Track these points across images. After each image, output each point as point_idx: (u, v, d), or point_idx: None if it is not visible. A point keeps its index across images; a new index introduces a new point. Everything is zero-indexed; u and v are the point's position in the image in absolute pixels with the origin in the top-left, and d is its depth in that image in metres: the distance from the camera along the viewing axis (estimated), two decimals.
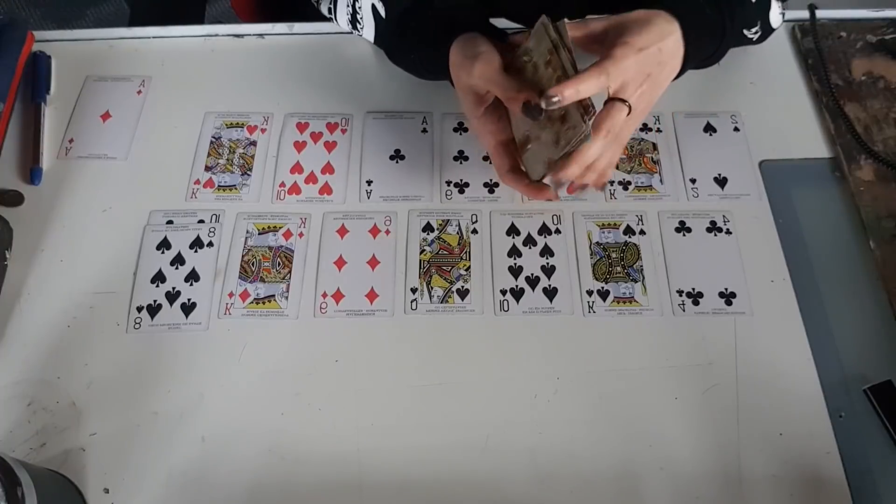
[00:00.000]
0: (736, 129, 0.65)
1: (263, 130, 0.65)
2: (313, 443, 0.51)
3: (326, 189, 0.62)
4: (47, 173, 0.63)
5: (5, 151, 0.64)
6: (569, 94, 0.46)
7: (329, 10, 0.67)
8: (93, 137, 0.65)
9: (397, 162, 0.64)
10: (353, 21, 0.64)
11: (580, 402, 0.52)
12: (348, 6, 0.64)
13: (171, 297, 0.57)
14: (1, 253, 0.57)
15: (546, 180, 0.54)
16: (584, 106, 0.48)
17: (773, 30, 0.65)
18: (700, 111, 0.66)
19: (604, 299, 0.56)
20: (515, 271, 0.58)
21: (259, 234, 0.60)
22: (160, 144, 0.65)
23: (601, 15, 0.53)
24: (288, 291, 0.57)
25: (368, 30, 0.63)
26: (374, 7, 0.61)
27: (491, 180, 0.62)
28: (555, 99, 0.46)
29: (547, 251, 0.59)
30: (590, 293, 0.57)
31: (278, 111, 0.66)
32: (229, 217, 0.61)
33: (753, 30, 0.62)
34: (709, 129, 0.65)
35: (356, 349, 0.55)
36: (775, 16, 0.63)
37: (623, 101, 0.49)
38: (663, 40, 0.51)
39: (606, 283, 0.57)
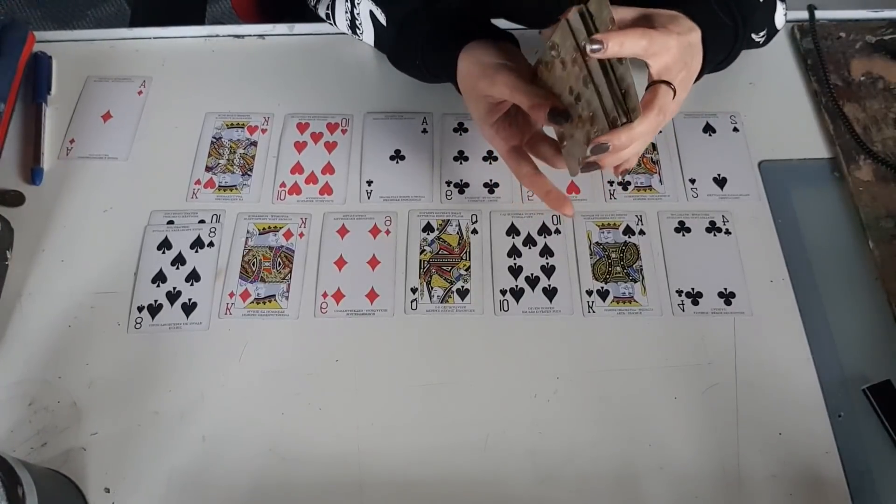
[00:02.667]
0: (735, 129, 0.65)
1: (264, 131, 0.65)
2: (313, 443, 0.51)
3: (327, 189, 0.62)
4: (48, 173, 0.63)
5: (6, 152, 0.64)
6: (613, 45, 0.43)
7: (327, 15, 0.67)
8: (94, 138, 0.65)
9: (397, 162, 0.64)
10: (353, 26, 0.64)
11: (580, 402, 0.52)
12: (347, 13, 0.64)
13: (172, 296, 0.57)
14: (2, 253, 0.57)
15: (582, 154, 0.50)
16: (612, 119, 0.46)
17: (777, 31, 0.65)
18: (699, 111, 0.66)
19: (603, 299, 0.56)
20: (515, 271, 0.58)
21: (259, 234, 0.60)
22: (161, 145, 0.65)
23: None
24: (288, 291, 0.57)
25: (368, 35, 0.63)
26: (372, 14, 0.61)
27: (491, 180, 0.62)
28: (595, 46, 0.43)
29: (547, 251, 0.59)
30: (589, 293, 0.57)
31: (279, 111, 0.67)
32: (230, 217, 0.61)
33: (761, 33, 0.62)
34: (708, 129, 0.65)
35: (356, 349, 0.55)
36: (780, 17, 0.64)
37: (667, 83, 0.48)
38: (691, 34, 0.50)
39: (606, 282, 0.57)
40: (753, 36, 0.62)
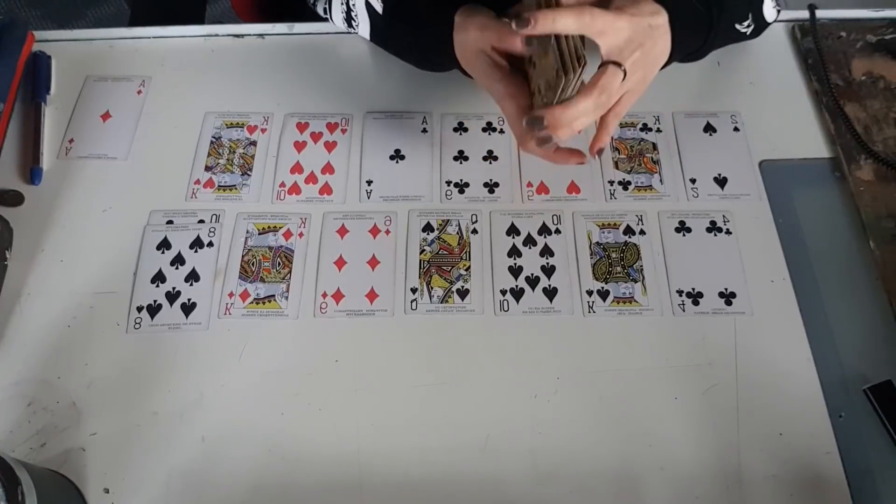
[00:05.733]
0: (736, 129, 0.65)
1: (263, 130, 0.65)
2: (313, 443, 0.51)
3: (326, 189, 0.62)
4: (47, 173, 0.63)
5: (5, 151, 0.64)
6: (542, 21, 0.44)
7: (325, 10, 0.67)
8: (93, 137, 0.65)
9: (397, 162, 0.64)
10: (349, 19, 0.64)
11: (580, 402, 0.52)
12: (342, 4, 0.64)
13: (172, 297, 0.57)
14: (1, 253, 0.57)
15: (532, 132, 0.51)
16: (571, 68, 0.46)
17: (767, 24, 0.64)
18: (700, 111, 0.66)
19: (604, 299, 0.56)
20: (515, 271, 0.58)
21: (259, 234, 0.60)
22: (160, 144, 0.65)
23: None
24: (288, 291, 0.57)
25: (364, 26, 0.63)
26: (368, 3, 0.61)
27: (491, 180, 0.62)
28: (527, 21, 0.45)
29: (547, 251, 0.59)
30: (590, 293, 0.57)
31: (278, 111, 0.66)
32: (229, 217, 0.61)
33: (745, 23, 0.61)
34: (709, 129, 0.65)
35: (356, 349, 0.55)
36: (769, 10, 0.63)
37: (617, 63, 0.48)
38: (653, 17, 0.50)
39: (606, 283, 0.57)
40: (737, 26, 0.61)
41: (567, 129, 0.49)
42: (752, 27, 0.62)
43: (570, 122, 0.48)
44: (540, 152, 0.54)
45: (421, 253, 0.59)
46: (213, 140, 0.65)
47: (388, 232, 0.60)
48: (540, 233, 0.59)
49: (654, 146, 0.64)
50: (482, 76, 0.55)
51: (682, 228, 0.60)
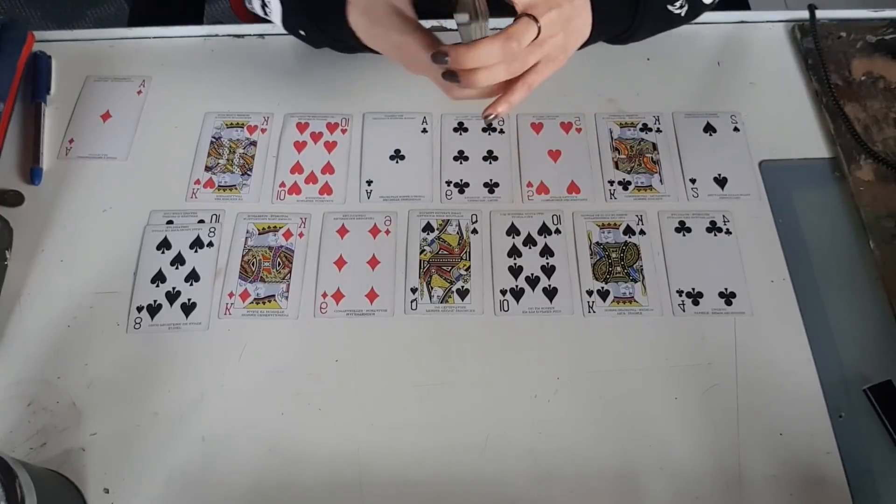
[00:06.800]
0: (736, 129, 0.65)
1: (263, 130, 0.65)
2: (313, 443, 0.51)
3: (326, 189, 0.62)
4: (47, 173, 0.63)
5: (5, 151, 0.64)
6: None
7: (250, 5, 0.64)
8: (93, 137, 0.65)
9: (397, 162, 0.64)
10: (263, 5, 0.61)
11: (580, 402, 0.52)
12: None
13: (172, 297, 0.57)
14: (1, 253, 0.57)
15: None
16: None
17: (704, 6, 0.62)
18: (700, 111, 0.66)
19: (604, 299, 0.56)
20: (515, 271, 0.58)
21: (259, 234, 0.60)
22: (160, 144, 0.65)
23: None
24: (288, 291, 0.57)
25: (276, 12, 0.60)
26: None
27: (491, 180, 0.62)
28: None
29: (547, 251, 0.59)
30: (590, 293, 0.57)
31: (278, 111, 0.67)
32: (229, 217, 0.61)
33: (678, 4, 0.59)
34: (709, 129, 0.65)
35: (356, 349, 0.55)
36: None
37: (531, 16, 0.47)
38: None
39: (606, 283, 0.57)
40: (669, 7, 0.59)
41: (474, 75, 0.47)
42: (685, 8, 0.60)
43: (475, 63, 0.46)
44: (468, 95, 0.51)
45: (421, 253, 0.59)
46: (213, 140, 0.65)
47: (388, 232, 0.60)
48: (540, 233, 0.59)
49: (654, 146, 0.64)
50: (394, 33, 0.50)
51: (682, 228, 0.60)
